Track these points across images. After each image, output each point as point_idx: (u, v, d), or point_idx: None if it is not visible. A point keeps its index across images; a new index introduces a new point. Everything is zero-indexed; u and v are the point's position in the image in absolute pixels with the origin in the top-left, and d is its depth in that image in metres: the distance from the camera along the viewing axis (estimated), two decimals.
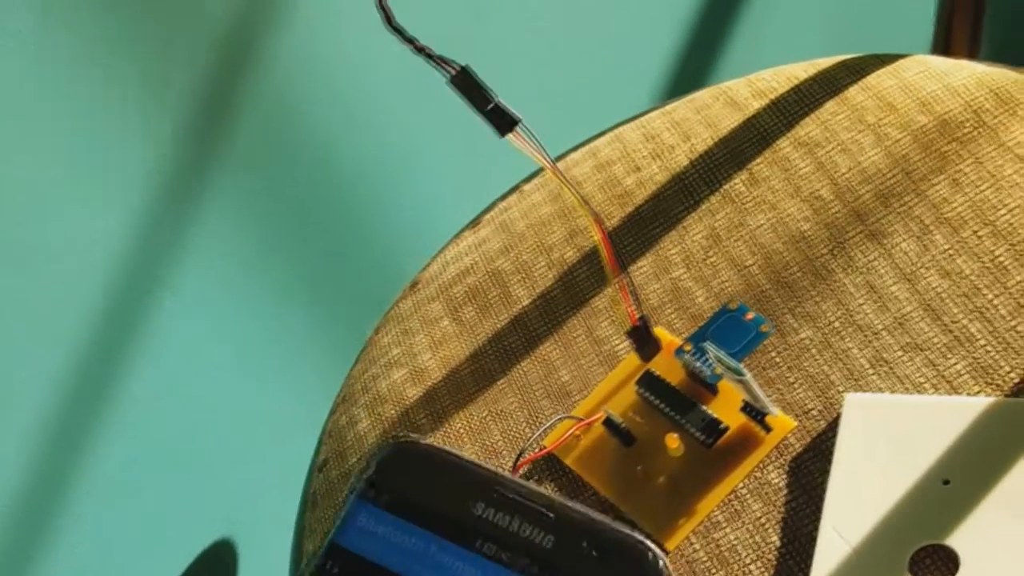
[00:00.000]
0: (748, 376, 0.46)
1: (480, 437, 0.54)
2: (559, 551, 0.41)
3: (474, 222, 0.65)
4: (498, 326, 0.58)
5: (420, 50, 0.46)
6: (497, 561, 0.41)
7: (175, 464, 0.80)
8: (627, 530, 0.41)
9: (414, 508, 0.43)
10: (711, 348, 0.48)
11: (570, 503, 0.41)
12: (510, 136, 0.46)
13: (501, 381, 0.56)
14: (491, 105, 0.46)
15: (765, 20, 1.10)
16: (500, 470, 0.42)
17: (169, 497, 0.80)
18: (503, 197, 0.65)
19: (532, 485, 0.41)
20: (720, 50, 1.08)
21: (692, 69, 1.07)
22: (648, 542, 0.41)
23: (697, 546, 0.48)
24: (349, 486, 0.42)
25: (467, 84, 0.46)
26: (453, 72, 0.46)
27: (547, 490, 0.48)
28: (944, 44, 0.63)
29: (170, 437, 0.79)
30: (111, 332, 0.73)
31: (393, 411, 0.58)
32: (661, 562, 0.41)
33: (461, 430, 0.55)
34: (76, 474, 0.74)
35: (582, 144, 0.65)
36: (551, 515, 0.40)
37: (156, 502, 0.79)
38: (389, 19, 0.46)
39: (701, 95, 0.63)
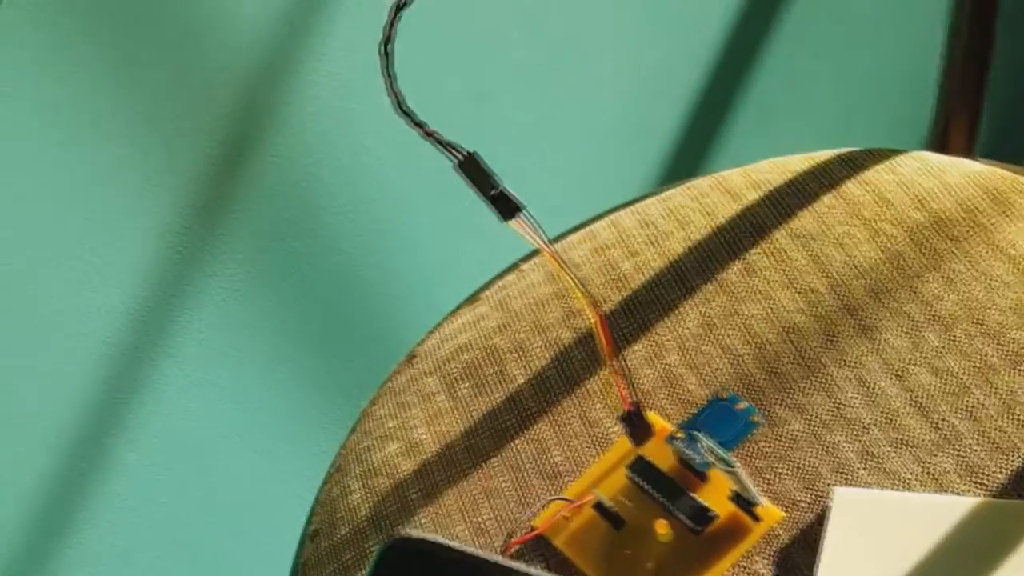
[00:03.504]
0: (739, 468, 0.47)
1: (471, 515, 0.55)
2: None
3: (472, 298, 0.66)
4: (493, 404, 0.59)
5: (428, 135, 0.47)
6: None
7: (164, 533, 0.80)
8: None
9: None
10: (703, 438, 0.48)
11: None
12: (512, 222, 0.47)
13: (494, 459, 0.57)
14: (495, 191, 0.47)
15: (761, 111, 1.11)
16: (492, 555, 0.42)
17: (159, 567, 0.80)
18: (501, 275, 0.66)
19: (522, 568, 0.42)
20: (716, 139, 1.10)
21: (687, 157, 1.08)
22: None
23: None
24: None
25: (473, 170, 0.47)
26: (460, 158, 0.47)
27: (538, 570, 0.48)
28: (941, 140, 0.65)
29: (161, 506, 0.79)
30: (106, 401, 0.74)
31: (386, 484, 0.59)
32: None
33: (452, 507, 0.56)
34: (68, 541, 0.74)
35: (579, 227, 0.66)
36: None
37: (146, 572, 0.79)
38: (399, 103, 0.47)
39: (698, 183, 0.64)
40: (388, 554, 0.43)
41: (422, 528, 0.55)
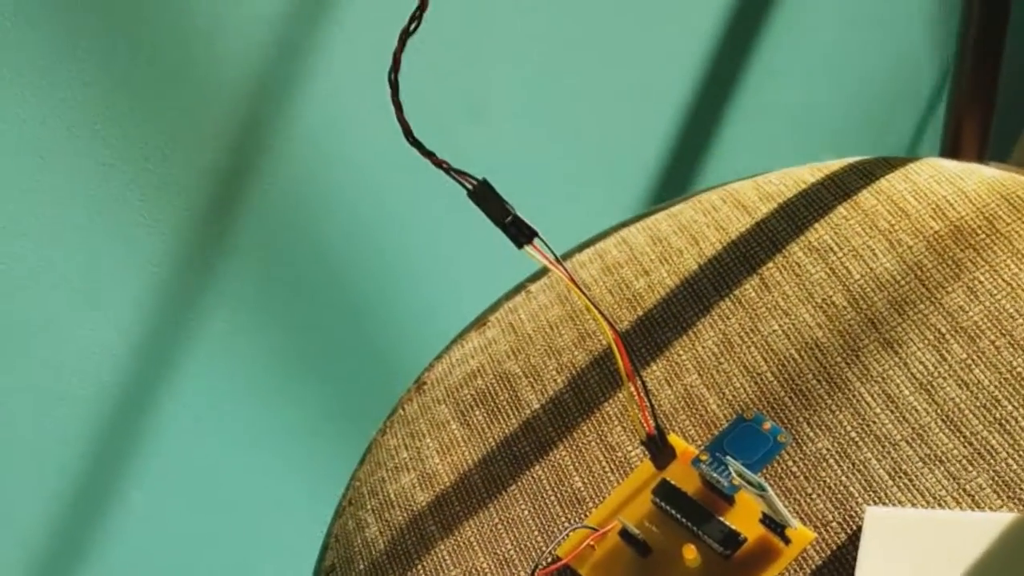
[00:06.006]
0: (770, 491, 0.46)
1: (492, 546, 0.54)
2: None
3: (479, 321, 0.64)
4: (508, 431, 0.58)
5: (439, 164, 0.46)
6: None
7: (172, 569, 0.79)
8: None
9: None
10: (732, 462, 0.47)
11: None
12: (527, 248, 0.46)
13: (512, 487, 0.55)
14: (509, 218, 0.46)
15: (762, 122, 1.10)
16: None
17: None
18: (508, 297, 0.65)
19: None
20: (721, 150, 1.09)
21: (692, 168, 1.07)
22: None
23: None
24: None
25: (486, 197, 0.46)
26: (472, 186, 0.46)
27: None
28: (953, 146, 0.64)
29: (168, 542, 0.78)
30: (110, 438, 0.72)
31: (402, 517, 0.57)
32: None
33: (472, 539, 0.54)
34: None
35: (586, 244, 0.65)
36: None
37: None
38: (408, 133, 0.46)
39: (708, 197, 0.62)
40: None
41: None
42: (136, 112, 0.68)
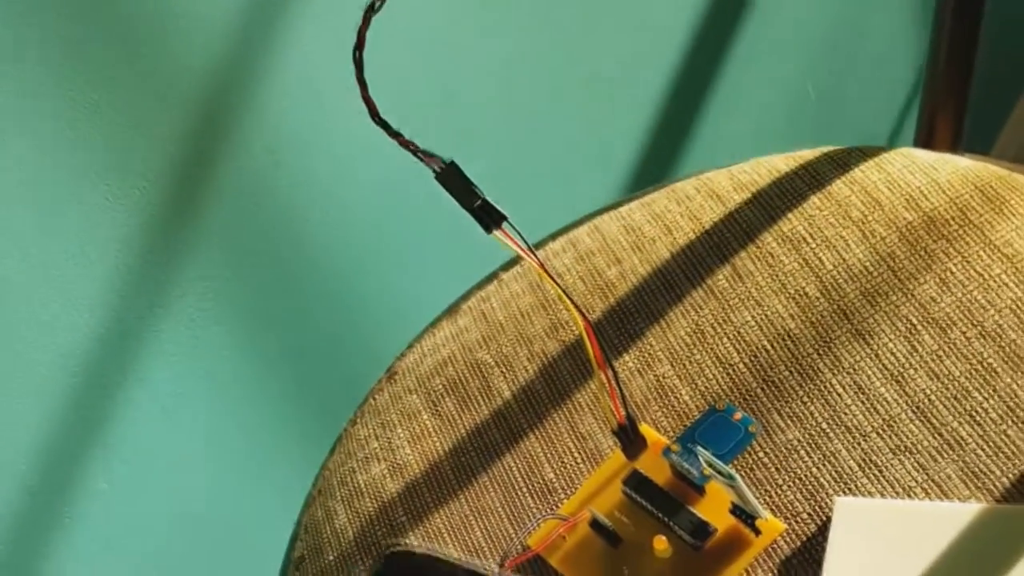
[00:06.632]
0: (739, 481, 0.46)
1: (462, 535, 0.53)
2: None
3: (451, 310, 0.64)
4: (479, 420, 0.57)
5: (405, 145, 0.45)
6: None
7: (140, 564, 0.78)
8: None
9: None
10: (702, 452, 0.47)
11: None
12: (496, 232, 0.46)
13: (483, 477, 0.55)
14: (478, 202, 0.45)
15: (740, 112, 1.10)
16: (490, 571, 0.41)
17: None
18: (480, 285, 0.64)
19: None
20: (697, 141, 1.08)
21: (668, 158, 1.07)
22: None
23: None
24: None
25: (453, 180, 0.45)
26: (439, 168, 0.45)
27: None
28: (927, 136, 0.63)
29: (136, 535, 0.77)
30: (78, 428, 0.72)
31: (372, 506, 0.57)
32: None
33: (442, 528, 0.54)
34: (41, 571, 0.72)
35: (559, 233, 0.65)
36: None
37: None
38: (374, 113, 0.45)
39: (682, 186, 0.62)
40: (386, 569, 0.42)
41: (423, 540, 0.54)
42: (104, 92, 0.67)
